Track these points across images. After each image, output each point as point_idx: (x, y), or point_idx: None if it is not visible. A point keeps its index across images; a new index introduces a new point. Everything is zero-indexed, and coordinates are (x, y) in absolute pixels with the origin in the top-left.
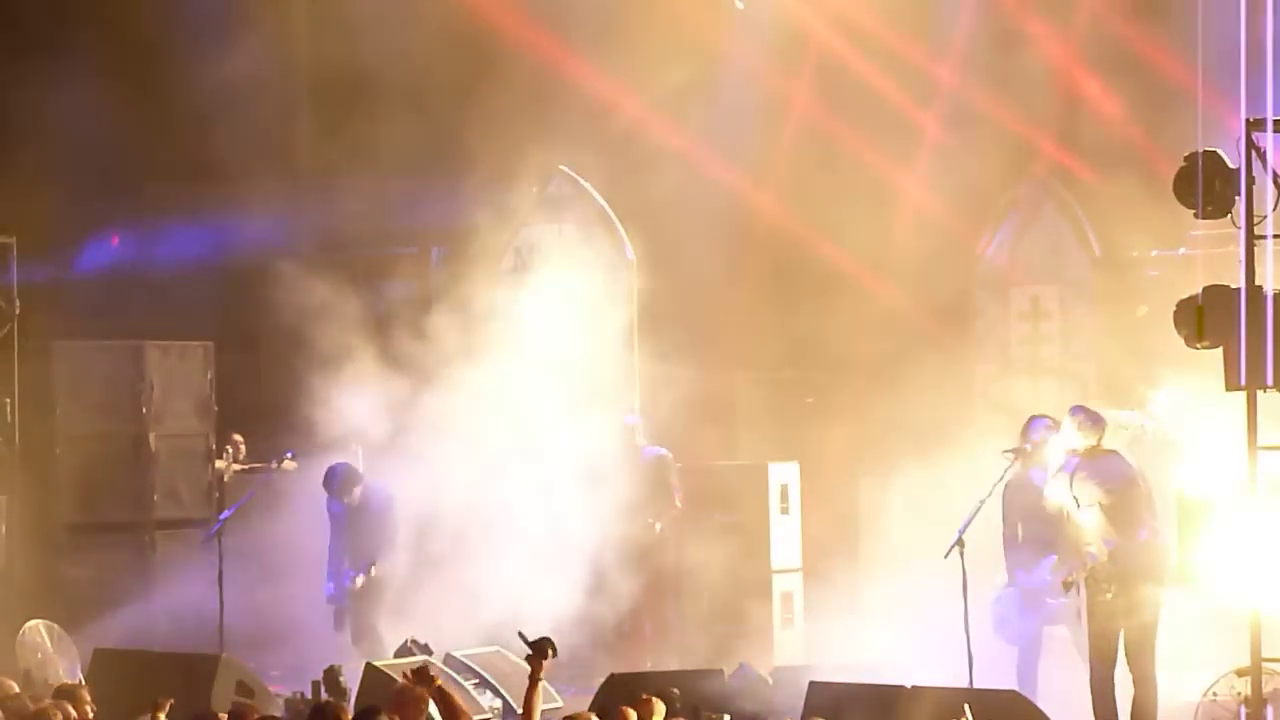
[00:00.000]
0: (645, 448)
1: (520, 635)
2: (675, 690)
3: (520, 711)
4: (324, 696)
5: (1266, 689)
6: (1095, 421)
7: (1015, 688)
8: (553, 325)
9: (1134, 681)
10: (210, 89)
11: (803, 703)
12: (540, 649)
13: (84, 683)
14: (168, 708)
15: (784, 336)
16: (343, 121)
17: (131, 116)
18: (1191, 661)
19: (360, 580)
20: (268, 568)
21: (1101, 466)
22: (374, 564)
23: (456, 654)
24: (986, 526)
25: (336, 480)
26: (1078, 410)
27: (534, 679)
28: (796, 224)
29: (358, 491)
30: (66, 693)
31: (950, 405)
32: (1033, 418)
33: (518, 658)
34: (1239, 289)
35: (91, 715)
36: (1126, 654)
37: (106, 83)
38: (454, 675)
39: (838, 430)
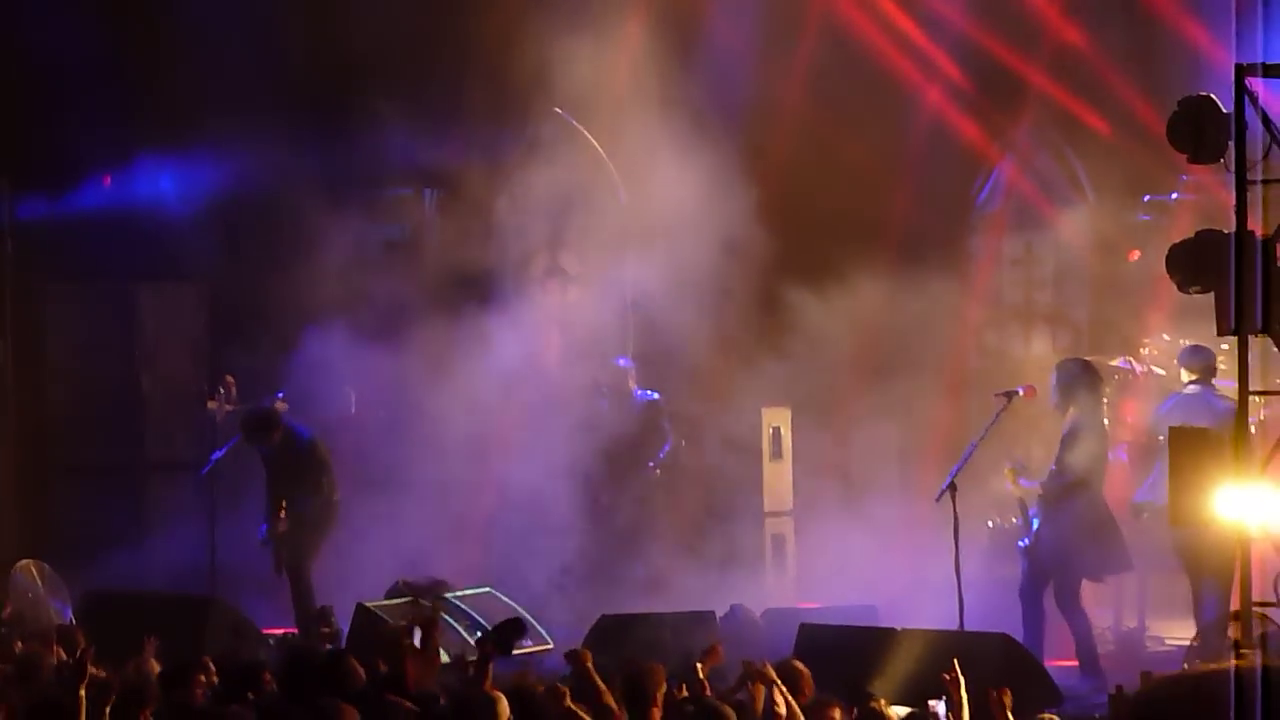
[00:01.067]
0: (638, 391)
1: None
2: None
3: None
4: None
5: (1256, 632)
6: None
7: (1008, 631)
8: (545, 269)
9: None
10: (205, 28)
11: (793, 644)
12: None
13: (73, 623)
14: (154, 648)
15: (777, 280)
16: (338, 64)
17: (125, 54)
18: (1183, 608)
19: (279, 523)
20: (260, 508)
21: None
22: (284, 506)
23: (447, 595)
24: (977, 470)
25: (248, 426)
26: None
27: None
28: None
29: (277, 435)
30: (63, 635)
31: (943, 350)
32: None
33: (509, 599)
34: (1231, 234)
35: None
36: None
37: (101, 20)
38: (445, 617)
39: (832, 374)
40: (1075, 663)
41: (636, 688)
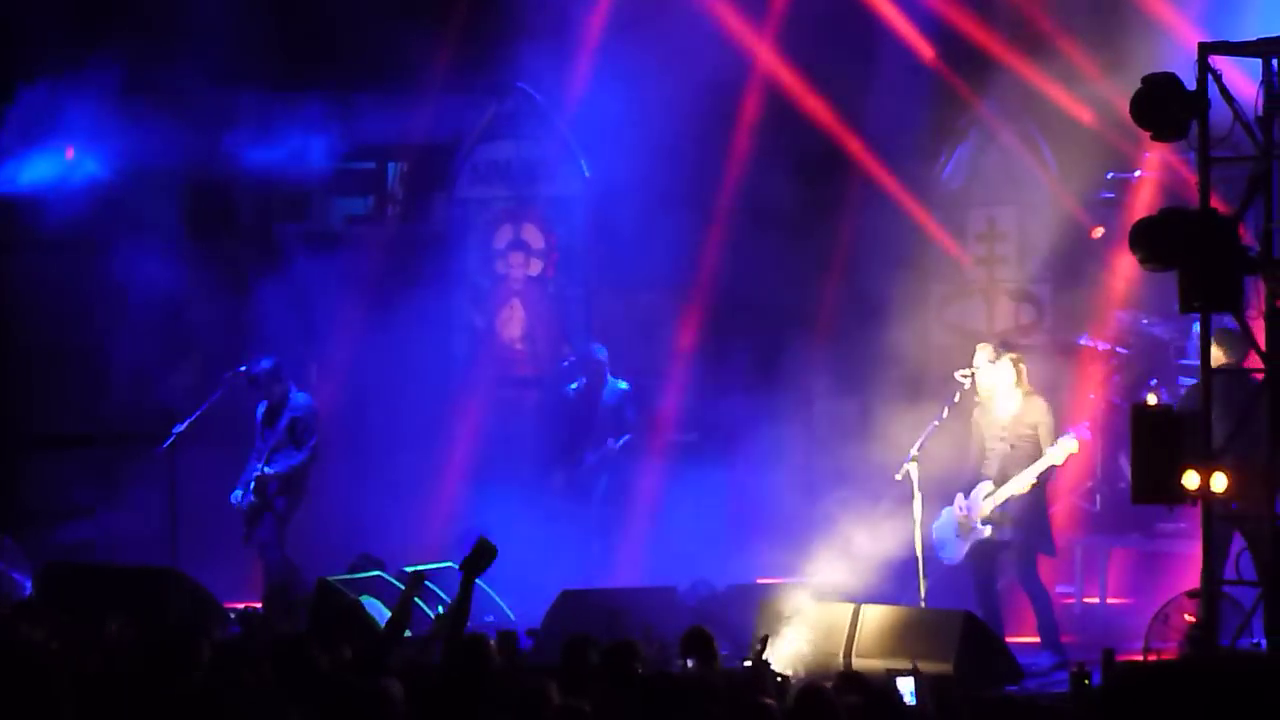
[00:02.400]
0: (610, 381)
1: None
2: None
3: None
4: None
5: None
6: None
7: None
8: (511, 241)
9: None
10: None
11: (755, 619)
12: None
13: (35, 597)
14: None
15: (743, 251)
16: (302, 34)
17: (94, 27)
18: (1145, 585)
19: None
20: (224, 482)
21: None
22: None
23: (409, 568)
24: (939, 446)
25: (258, 376)
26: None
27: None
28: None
29: (279, 389)
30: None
31: (905, 325)
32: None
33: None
34: (1195, 211)
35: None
36: None
37: None
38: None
39: (794, 348)
40: (1036, 639)
41: (616, 664)
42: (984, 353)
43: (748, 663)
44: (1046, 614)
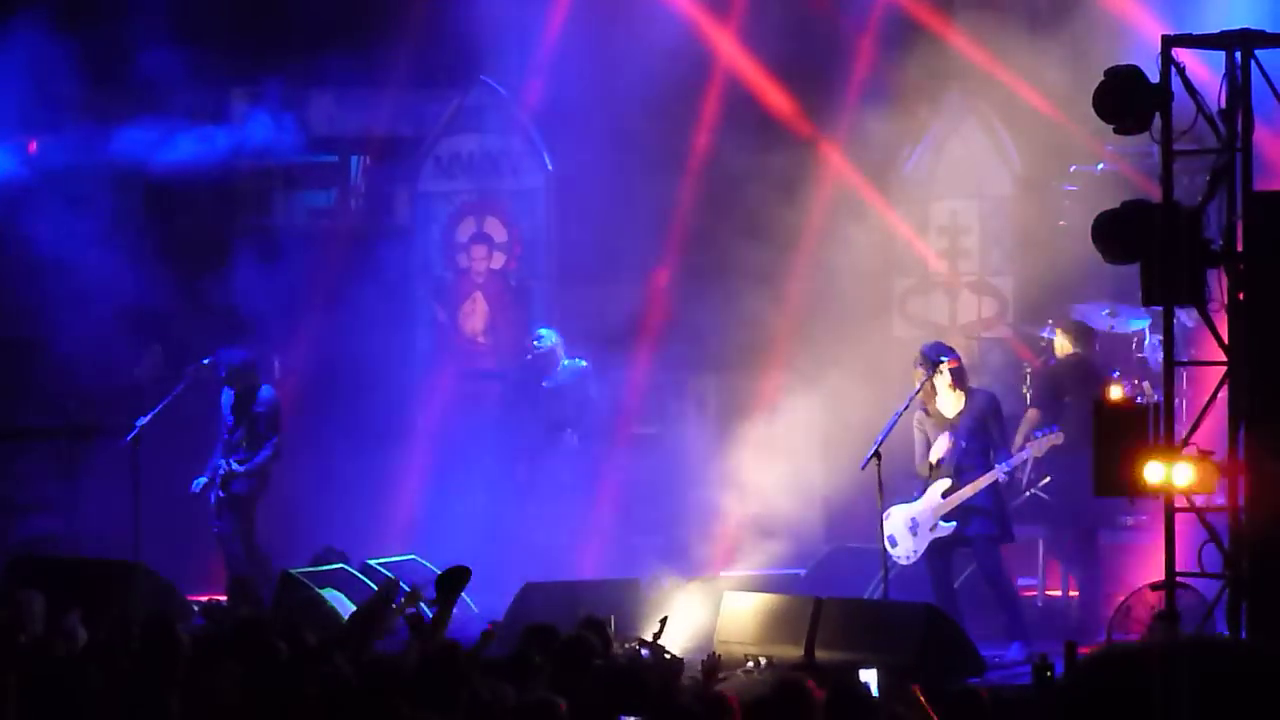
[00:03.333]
0: (565, 361)
1: None
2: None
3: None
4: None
5: (1179, 603)
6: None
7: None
8: (474, 235)
9: None
10: None
11: (717, 612)
12: (454, 581)
13: None
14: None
15: (706, 245)
16: (262, 28)
17: (53, 23)
18: (1108, 577)
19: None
20: (188, 475)
21: None
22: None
23: (372, 561)
24: (904, 438)
25: (233, 368)
26: None
27: (444, 612)
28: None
29: (251, 384)
30: None
31: (868, 318)
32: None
33: (434, 566)
34: (1158, 204)
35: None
36: None
37: None
38: (368, 582)
39: (758, 342)
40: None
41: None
42: (918, 365)
43: (643, 647)
44: (1013, 607)
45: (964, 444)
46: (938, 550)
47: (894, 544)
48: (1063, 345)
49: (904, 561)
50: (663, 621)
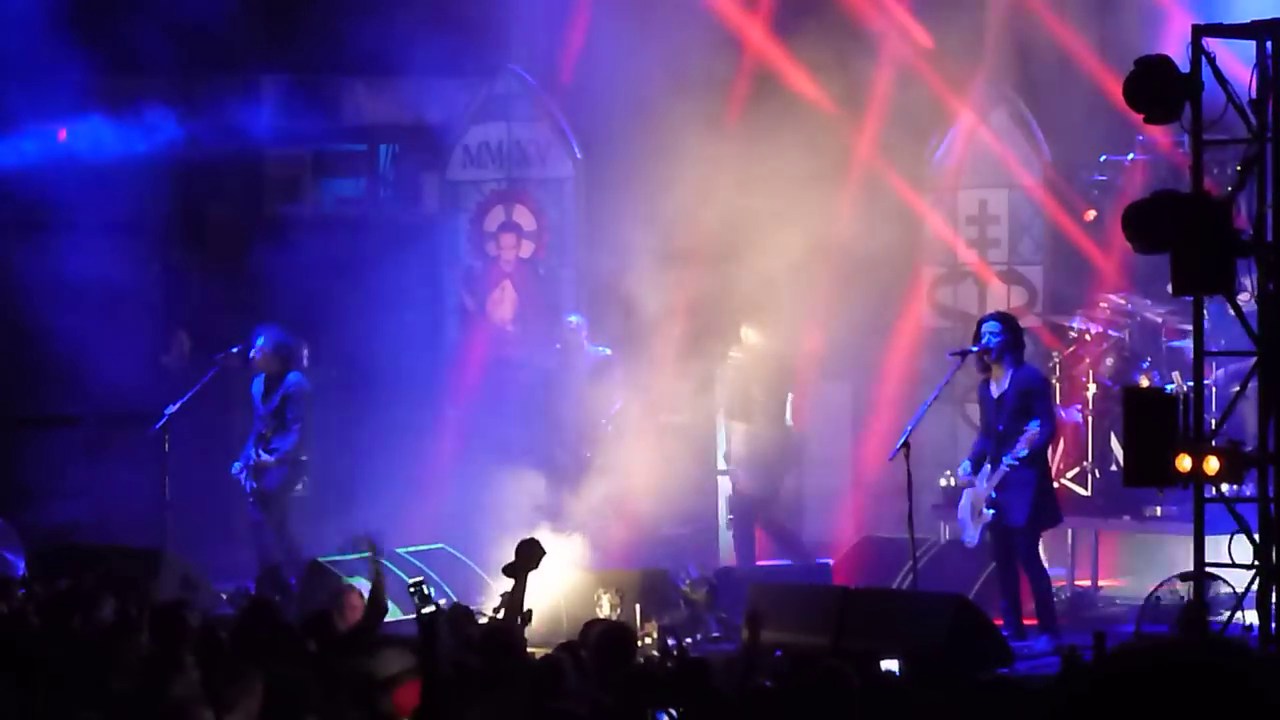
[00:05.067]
0: (590, 348)
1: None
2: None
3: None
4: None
5: (1209, 594)
6: None
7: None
8: (503, 223)
9: None
10: None
11: (746, 603)
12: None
13: (27, 576)
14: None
15: (734, 233)
16: (291, 16)
17: (78, 8)
18: (1136, 567)
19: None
20: (216, 463)
21: None
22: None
23: (401, 550)
24: (933, 429)
25: (270, 352)
26: None
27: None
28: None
29: (285, 370)
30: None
31: (898, 307)
32: (984, 318)
33: (463, 555)
34: (1187, 194)
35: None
36: None
37: None
38: (398, 572)
39: (786, 331)
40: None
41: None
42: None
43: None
44: (1045, 596)
45: (1001, 427)
46: (995, 535)
47: (963, 527)
48: None
49: (969, 544)
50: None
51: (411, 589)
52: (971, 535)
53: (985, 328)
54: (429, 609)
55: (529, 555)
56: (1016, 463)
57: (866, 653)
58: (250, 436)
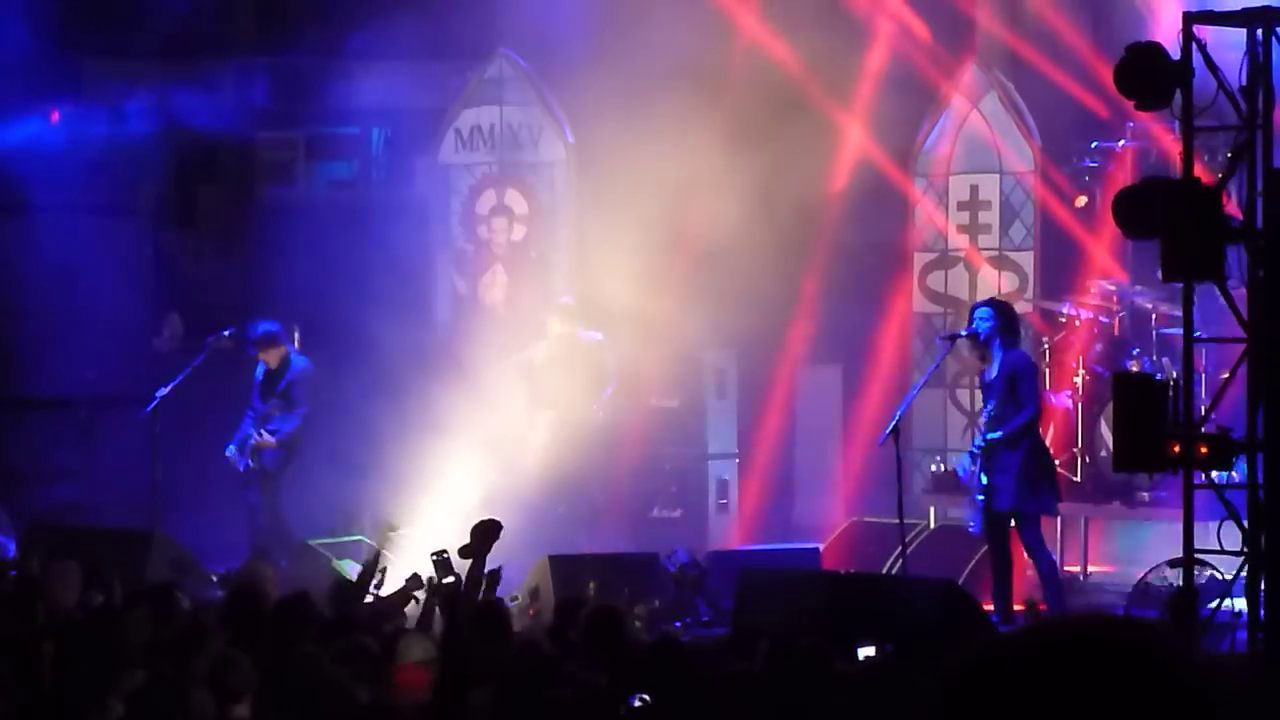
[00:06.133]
0: (581, 331)
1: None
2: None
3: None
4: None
5: (1198, 580)
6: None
7: (950, 575)
8: (494, 207)
9: None
10: None
11: (735, 587)
12: (486, 531)
13: (19, 557)
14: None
15: (724, 219)
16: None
17: None
18: (1125, 553)
19: (260, 440)
20: (208, 446)
21: None
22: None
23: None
24: (923, 413)
25: (258, 340)
26: None
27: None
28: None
29: (278, 354)
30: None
31: (889, 292)
32: (977, 304)
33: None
34: (1177, 180)
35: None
36: None
37: None
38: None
39: (776, 317)
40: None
41: (602, 628)
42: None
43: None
44: (1052, 581)
45: (990, 409)
46: (986, 519)
47: (972, 517)
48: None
49: (974, 532)
50: (382, 570)
51: (434, 558)
52: (976, 523)
53: (976, 314)
54: (449, 579)
55: (484, 536)
56: (983, 443)
57: (847, 637)
58: (246, 418)
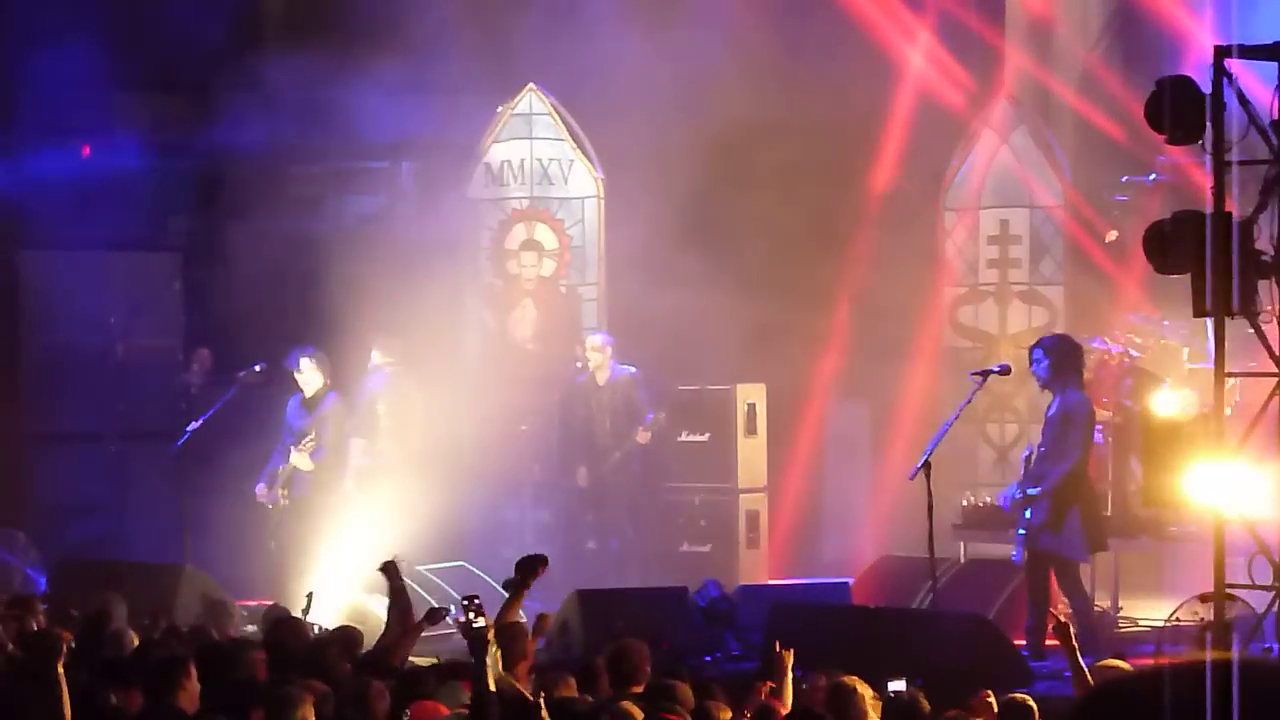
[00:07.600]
0: (615, 365)
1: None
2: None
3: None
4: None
5: (1229, 614)
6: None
7: (980, 610)
8: (524, 241)
9: None
10: None
11: (766, 622)
12: (530, 566)
13: (49, 592)
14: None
15: (754, 258)
16: (313, 32)
17: (102, 25)
18: (1156, 588)
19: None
20: (238, 480)
21: None
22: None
23: (422, 568)
24: (953, 448)
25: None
26: None
27: (516, 595)
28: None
29: (315, 381)
30: (21, 603)
31: (918, 327)
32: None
33: (484, 574)
34: (1207, 215)
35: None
36: None
37: None
38: (418, 589)
39: (806, 352)
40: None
41: (622, 664)
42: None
43: None
44: (1085, 623)
45: (1043, 447)
46: (1027, 553)
47: (1017, 548)
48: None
49: (1017, 561)
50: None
51: (465, 603)
52: (1018, 553)
53: (1031, 354)
54: (480, 623)
55: (528, 571)
56: (1020, 495)
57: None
58: (275, 454)
